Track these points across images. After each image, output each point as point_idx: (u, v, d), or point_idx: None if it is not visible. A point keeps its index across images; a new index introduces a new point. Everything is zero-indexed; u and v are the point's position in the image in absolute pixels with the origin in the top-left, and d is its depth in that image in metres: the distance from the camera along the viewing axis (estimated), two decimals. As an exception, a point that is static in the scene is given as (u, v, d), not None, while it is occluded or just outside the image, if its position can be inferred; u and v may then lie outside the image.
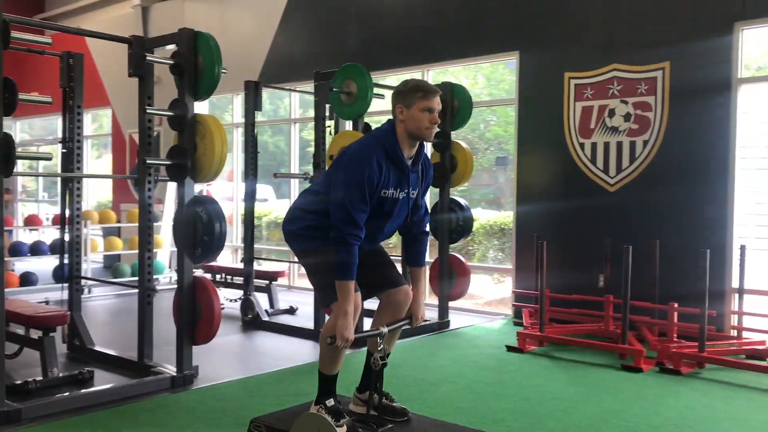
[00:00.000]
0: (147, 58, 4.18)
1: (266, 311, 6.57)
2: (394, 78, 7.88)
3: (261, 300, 6.69)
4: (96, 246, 8.61)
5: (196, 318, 4.34)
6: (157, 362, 4.58)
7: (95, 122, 12.40)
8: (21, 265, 8.62)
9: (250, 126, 6.42)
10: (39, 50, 5.11)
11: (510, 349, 5.37)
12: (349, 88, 5.45)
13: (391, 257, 3.24)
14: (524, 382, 4.47)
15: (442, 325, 6.26)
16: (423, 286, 3.17)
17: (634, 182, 6.04)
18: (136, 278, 7.10)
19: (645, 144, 5.97)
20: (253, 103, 6.40)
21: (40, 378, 4.25)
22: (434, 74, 7.55)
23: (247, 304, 6.37)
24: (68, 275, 5.16)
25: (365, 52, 7.87)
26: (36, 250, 8.06)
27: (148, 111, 4.18)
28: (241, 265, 6.83)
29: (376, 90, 5.57)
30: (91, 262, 8.47)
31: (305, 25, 8.61)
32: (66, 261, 5.13)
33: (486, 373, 4.68)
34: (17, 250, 8.02)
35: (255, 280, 6.63)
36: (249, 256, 6.52)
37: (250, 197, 6.53)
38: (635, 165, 6.02)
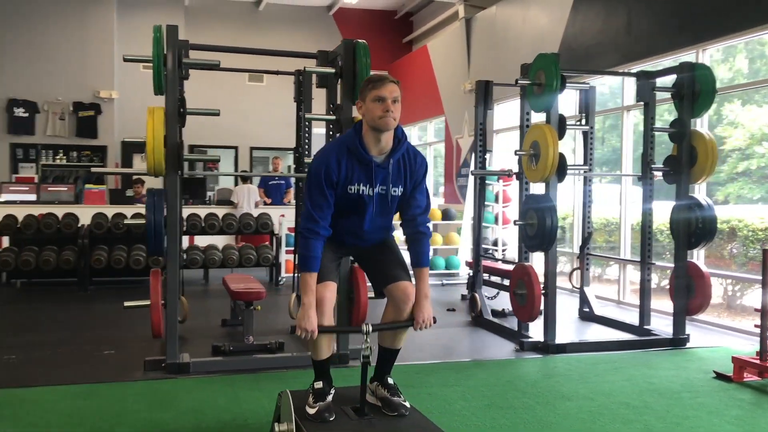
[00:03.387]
0: (306, 68, 4.70)
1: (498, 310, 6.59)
2: (665, 61, 7.03)
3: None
4: (437, 240, 9.42)
5: (351, 305, 4.71)
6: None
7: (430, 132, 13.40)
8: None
9: (479, 126, 6.47)
10: (275, 71, 6.10)
11: (719, 376, 4.47)
12: (539, 80, 5.17)
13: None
14: (673, 412, 3.74)
15: (676, 341, 5.43)
16: (426, 288, 3.00)
17: None
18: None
19: None
20: (483, 103, 6.45)
21: (236, 343, 5.11)
22: (710, 55, 6.49)
23: (473, 302, 6.44)
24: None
25: (647, 35, 7.17)
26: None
27: (306, 116, 4.70)
28: (502, 265, 6.90)
29: (576, 79, 5.18)
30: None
31: (587, 18, 8.19)
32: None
33: (643, 398, 4.02)
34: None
35: (492, 278, 6.67)
36: (476, 255, 6.57)
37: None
38: None
